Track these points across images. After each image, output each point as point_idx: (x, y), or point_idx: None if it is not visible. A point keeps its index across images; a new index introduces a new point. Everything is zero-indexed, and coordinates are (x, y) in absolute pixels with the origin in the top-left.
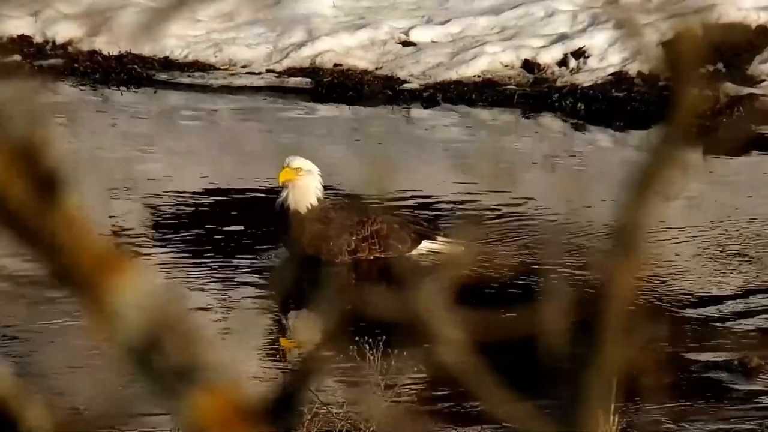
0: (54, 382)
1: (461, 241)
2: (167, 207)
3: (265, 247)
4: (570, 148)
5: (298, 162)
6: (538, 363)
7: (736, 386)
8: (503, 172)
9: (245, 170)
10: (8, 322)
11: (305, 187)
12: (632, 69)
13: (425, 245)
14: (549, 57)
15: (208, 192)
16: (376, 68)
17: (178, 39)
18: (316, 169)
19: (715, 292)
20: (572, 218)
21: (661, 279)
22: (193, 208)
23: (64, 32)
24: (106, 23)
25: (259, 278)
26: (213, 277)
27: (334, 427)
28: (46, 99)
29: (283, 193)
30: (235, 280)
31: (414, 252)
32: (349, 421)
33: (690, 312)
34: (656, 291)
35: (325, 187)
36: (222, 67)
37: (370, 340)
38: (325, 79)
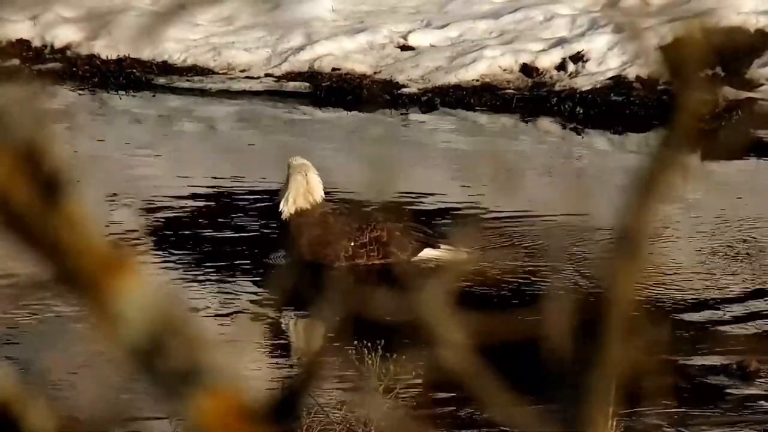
0: (55, 385)
1: (464, 249)
2: (167, 210)
3: (264, 250)
4: (569, 153)
5: (300, 161)
6: (540, 367)
7: (735, 390)
8: (502, 176)
9: (244, 174)
10: (9, 323)
11: (304, 187)
12: (631, 73)
13: (427, 253)
14: (548, 61)
15: (207, 195)
16: (375, 72)
17: (177, 43)
18: (315, 174)
19: (713, 295)
20: (572, 222)
21: (659, 283)
22: (192, 212)
23: (63, 36)
24: (105, 27)
25: (259, 282)
26: (213, 280)
27: (334, 430)
28: (45, 103)
29: (282, 197)
30: (235, 283)
31: (415, 259)
32: (348, 425)
33: (688, 316)
34: (655, 295)
35: (325, 192)
36: (221, 71)
37: (370, 343)
38: (323, 83)
